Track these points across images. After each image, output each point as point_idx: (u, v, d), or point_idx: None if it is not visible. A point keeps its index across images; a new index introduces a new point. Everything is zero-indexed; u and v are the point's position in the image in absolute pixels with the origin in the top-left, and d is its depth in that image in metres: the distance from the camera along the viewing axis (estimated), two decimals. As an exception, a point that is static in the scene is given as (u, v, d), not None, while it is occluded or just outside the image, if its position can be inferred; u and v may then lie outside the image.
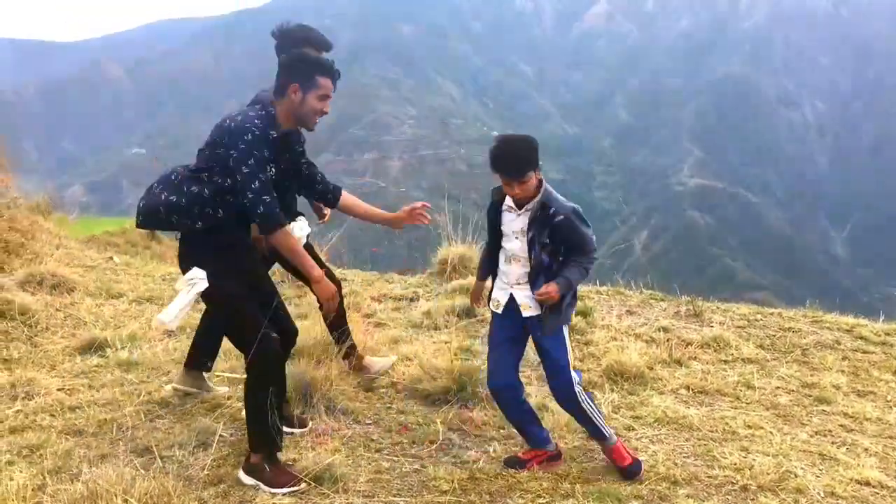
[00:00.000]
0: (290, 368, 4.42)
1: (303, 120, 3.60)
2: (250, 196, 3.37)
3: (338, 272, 7.68)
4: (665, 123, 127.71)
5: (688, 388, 4.97)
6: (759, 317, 6.58)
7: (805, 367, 5.53)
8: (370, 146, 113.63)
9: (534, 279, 3.69)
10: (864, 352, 5.87)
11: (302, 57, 3.59)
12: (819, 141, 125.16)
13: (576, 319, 6.07)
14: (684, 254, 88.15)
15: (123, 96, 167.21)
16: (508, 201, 3.72)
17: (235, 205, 3.48)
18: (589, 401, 3.78)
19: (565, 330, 3.77)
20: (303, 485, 3.52)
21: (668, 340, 5.78)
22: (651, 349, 5.58)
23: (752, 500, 3.56)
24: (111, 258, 8.43)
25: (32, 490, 3.32)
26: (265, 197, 3.39)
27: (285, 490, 3.50)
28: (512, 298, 3.77)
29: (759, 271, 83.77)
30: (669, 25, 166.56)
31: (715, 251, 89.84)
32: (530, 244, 3.67)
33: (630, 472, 3.73)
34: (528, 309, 3.73)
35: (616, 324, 6.18)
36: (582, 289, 7.43)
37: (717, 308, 6.80)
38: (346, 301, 6.47)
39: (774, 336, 6.10)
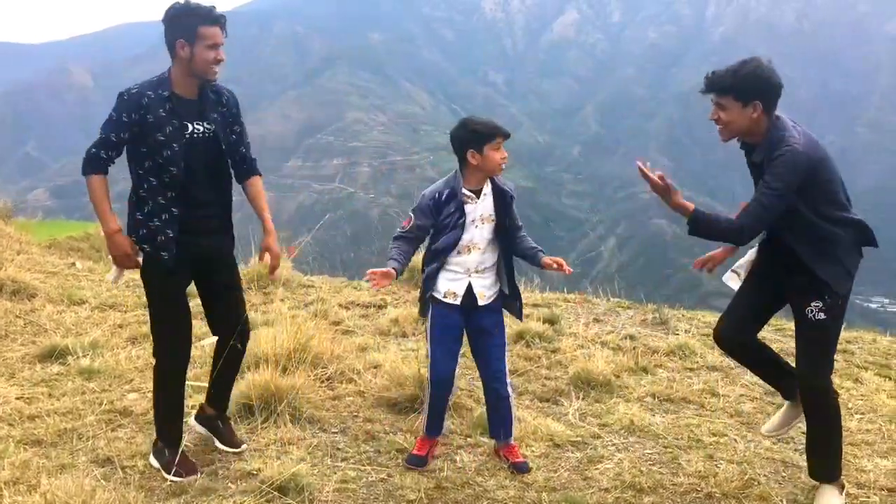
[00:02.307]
0: (255, 377, 4.39)
1: (199, 73, 3.55)
2: (95, 141, 3.55)
3: (304, 278, 7.65)
4: (633, 133, 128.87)
5: (654, 395, 5.00)
6: (723, 325, 6.63)
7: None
8: (339, 152, 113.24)
9: (492, 263, 3.83)
10: (826, 360, 5.94)
11: (179, 11, 3.51)
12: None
13: (543, 327, 6.10)
14: (651, 262, 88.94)
15: (90, 99, 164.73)
16: (465, 191, 3.75)
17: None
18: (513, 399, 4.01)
19: None
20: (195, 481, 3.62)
21: (634, 348, 5.82)
22: (618, 357, 5.61)
23: (717, 507, 3.59)
24: (73, 264, 8.30)
25: (-12, 502, 3.25)
26: (94, 147, 3.54)
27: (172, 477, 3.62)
28: (469, 287, 3.79)
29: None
30: (637, 37, 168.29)
31: (681, 260, 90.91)
32: (496, 228, 3.77)
33: (523, 467, 3.89)
34: (485, 297, 3.81)
35: (583, 332, 6.20)
36: (549, 296, 7.47)
37: (683, 316, 6.86)
38: (313, 308, 6.46)
39: (739, 344, 6.16)
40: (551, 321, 6.31)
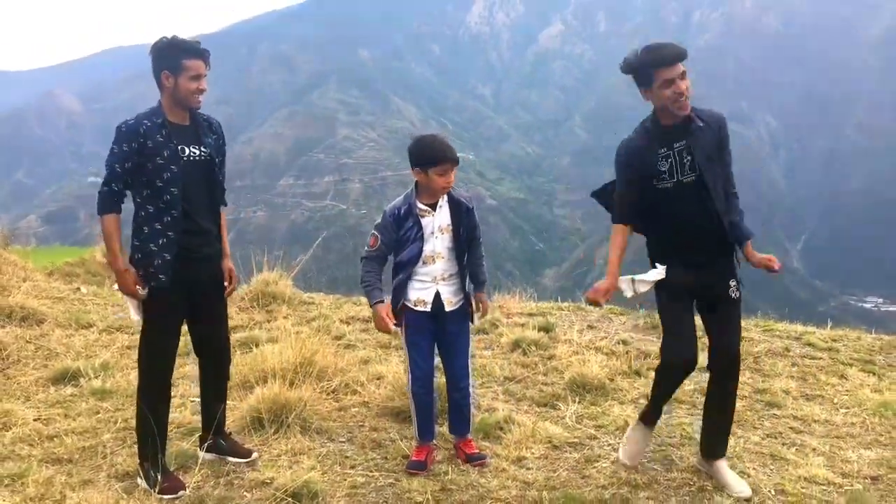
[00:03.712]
0: (263, 391, 4.57)
1: (183, 102, 3.81)
2: (103, 178, 3.73)
3: (305, 295, 7.84)
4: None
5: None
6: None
7: (757, 373, 5.80)
8: (330, 169, 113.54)
9: (457, 270, 4.06)
10: (812, 358, 6.17)
11: (164, 45, 3.77)
12: (772, 156, 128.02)
13: (538, 335, 6.30)
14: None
15: (79, 125, 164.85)
16: (420, 206, 4.00)
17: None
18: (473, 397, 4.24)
19: None
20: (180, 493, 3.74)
21: (627, 353, 6.02)
22: (611, 361, 5.81)
23: (709, 500, 3.78)
24: (78, 289, 8.47)
25: (18, 516, 3.42)
26: (105, 185, 3.72)
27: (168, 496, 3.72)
28: (437, 295, 4.03)
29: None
30: (623, 45, 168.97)
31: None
32: (455, 237, 4.01)
33: (479, 457, 4.15)
34: (451, 304, 4.06)
35: (577, 338, 6.40)
36: (544, 305, 7.68)
37: (674, 321, 7.05)
38: (316, 324, 6.64)
39: (728, 346, 6.37)
40: (546, 329, 6.52)
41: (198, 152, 3.85)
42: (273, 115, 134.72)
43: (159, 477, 3.76)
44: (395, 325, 4.06)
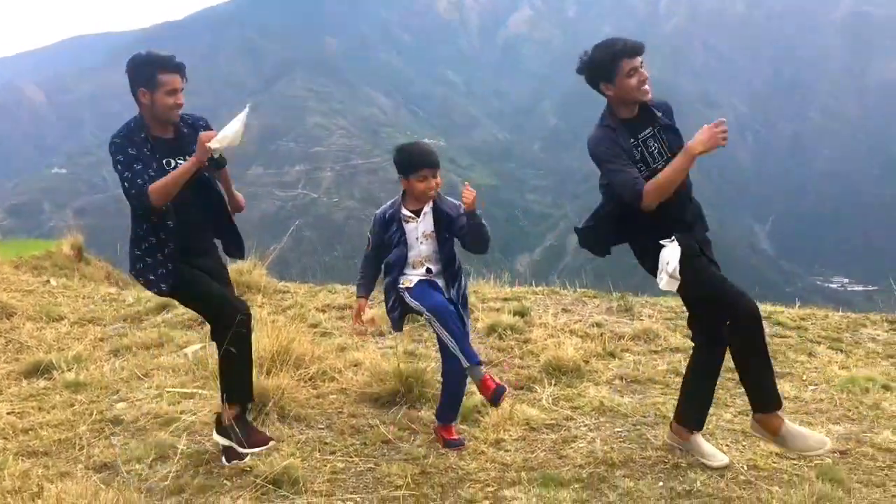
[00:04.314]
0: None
1: (161, 117, 3.81)
2: (125, 186, 3.67)
3: (279, 284, 7.81)
4: (592, 126, 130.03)
5: (621, 378, 5.27)
6: (684, 309, 6.93)
7: (728, 353, 5.88)
8: (300, 158, 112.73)
9: (444, 270, 4.13)
10: (782, 336, 6.28)
11: (139, 61, 3.77)
12: (740, 140, 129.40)
13: (514, 319, 6.34)
14: (615, 252, 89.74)
15: (42, 116, 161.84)
16: (404, 212, 4.09)
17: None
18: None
19: None
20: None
21: (601, 335, 6.09)
22: (586, 344, 5.88)
23: (683, 476, 3.85)
24: (48, 281, 8.36)
25: (-5, 510, 3.39)
26: (133, 188, 3.66)
27: (256, 450, 3.87)
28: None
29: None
30: (592, 30, 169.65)
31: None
32: (440, 243, 4.09)
33: (456, 443, 4.16)
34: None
35: (552, 321, 6.46)
36: (519, 290, 7.73)
37: (647, 302, 7.16)
38: (291, 312, 6.63)
39: (700, 326, 6.47)
40: (521, 313, 6.56)
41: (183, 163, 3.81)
42: (241, 103, 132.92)
43: (244, 431, 3.88)
44: (362, 328, 4.27)
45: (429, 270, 4.14)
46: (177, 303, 6.73)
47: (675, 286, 3.81)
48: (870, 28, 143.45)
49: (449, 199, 4.14)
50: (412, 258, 4.13)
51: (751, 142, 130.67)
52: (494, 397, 3.95)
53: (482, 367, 4.01)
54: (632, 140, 3.76)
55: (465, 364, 3.95)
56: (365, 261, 4.28)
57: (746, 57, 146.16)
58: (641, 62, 3.69)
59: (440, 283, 4.15)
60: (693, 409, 4.07)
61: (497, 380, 4.01)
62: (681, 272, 3.74)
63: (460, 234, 4.09)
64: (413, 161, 4.01)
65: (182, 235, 3.86)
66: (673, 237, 3.80)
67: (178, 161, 3.82)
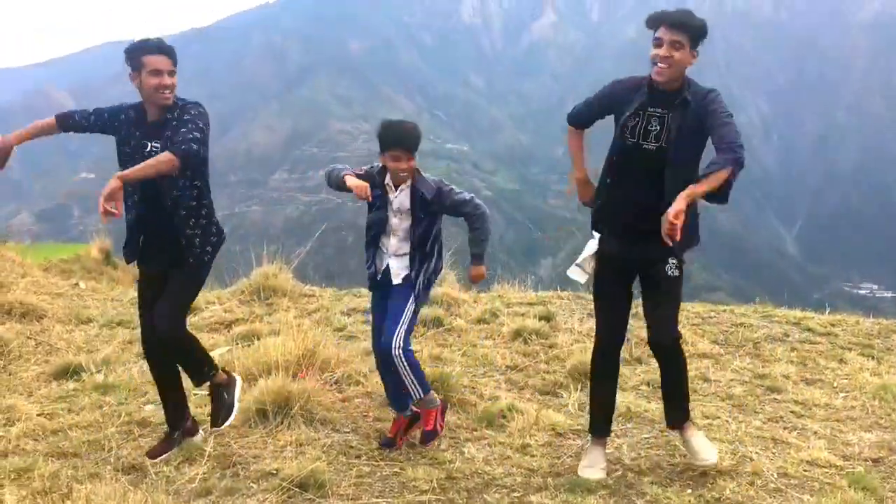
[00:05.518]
0: (268, 383, 4.58)
1: (150, 98, 3.91)
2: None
3: (305, 288, 7.85)
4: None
5: (648, 384, 5.23)
6: (712, 314, 6.90)
7: (757, 359, 5.83)
8: (324, 163, 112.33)
9: (408, 251, 4.16)
10: (811, 342, 6.21)
11: (129, 49, 3.92)
12: (765, 141, 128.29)
13: (539, 324, 6.32)
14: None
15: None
16: (387, 180, 4.14)
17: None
18: (405, 363, 4.07)
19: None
20: None
21: (627, 340, 6.03)
22: (612, 349, 5.82)
23: (712, 483, 3.81)
24: (77, 284, 8.46)
25: (26, 510, 3.43)
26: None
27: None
28: (388, 267, 4.18)
29: (714, 272, 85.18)
30: (616, 32, 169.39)
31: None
32: (414, 221, 4.11)
33: (431, 434, 4.23)
34: (398, 277, 4.17)
35: (578, 327, 6.42)
36: (544, 294, 7.70)
37: (673, 307, 7.08)
38: (317, 316, 6.65)
39: (728, 331, 6.42)
40: (547, 318, 6.53)
41: (160, 146, 3.86)
42: (265, 107, 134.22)
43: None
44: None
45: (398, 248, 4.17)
46: (203, 306, 6.80)
47: (583, 278, 3.99)
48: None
49: (429, 179, 4.14)
50: (388, 226, 4.17)
51: (775, 143, 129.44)
52: (423, 438, 4.23)
53: (409, 410, 4.30)
54: (639, 106, 3.68)
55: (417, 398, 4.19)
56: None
57: (772, 56, 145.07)
58: (672, 42, 3.56)
59: (405, 262, 4.15)
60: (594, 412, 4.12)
61: (433, 423, 4.22)
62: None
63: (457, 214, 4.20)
64: (388, 139, 4.06)
65: (142, 216, 3.99)
66: (598, 235, 3.92)
67: (156, 144, 3.88)
